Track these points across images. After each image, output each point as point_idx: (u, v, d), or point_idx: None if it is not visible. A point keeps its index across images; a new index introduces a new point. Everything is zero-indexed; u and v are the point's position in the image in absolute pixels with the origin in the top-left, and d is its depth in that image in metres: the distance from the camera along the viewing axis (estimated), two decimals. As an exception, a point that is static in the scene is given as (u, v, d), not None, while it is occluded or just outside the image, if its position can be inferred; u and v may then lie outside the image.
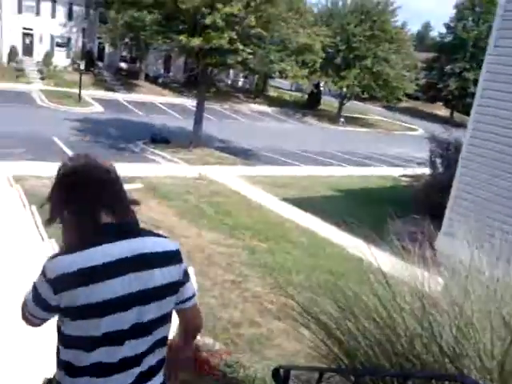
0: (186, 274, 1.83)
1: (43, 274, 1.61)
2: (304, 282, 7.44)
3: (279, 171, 18.90)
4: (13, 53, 41.14)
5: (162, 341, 1.80)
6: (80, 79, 33.91)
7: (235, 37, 18.52)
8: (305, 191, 15.53)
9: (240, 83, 53.50)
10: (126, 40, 40.55)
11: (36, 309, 1.69)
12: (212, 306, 6.59)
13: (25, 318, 1.79)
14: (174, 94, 44.21)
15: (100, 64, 45.72)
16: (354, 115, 48.04)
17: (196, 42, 18.45)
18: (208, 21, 18.18)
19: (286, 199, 13.81)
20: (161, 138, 22.45)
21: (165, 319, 1.77)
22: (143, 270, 1.66)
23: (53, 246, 7.13)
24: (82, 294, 1.57)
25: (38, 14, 42.70)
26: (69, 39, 44.71)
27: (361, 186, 17.43)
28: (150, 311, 1.69)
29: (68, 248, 1.66)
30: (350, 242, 7.52)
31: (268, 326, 6.36)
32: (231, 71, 45.72)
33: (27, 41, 42.87)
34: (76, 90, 34.10)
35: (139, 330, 1.68)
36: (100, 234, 1.65)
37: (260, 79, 49.46)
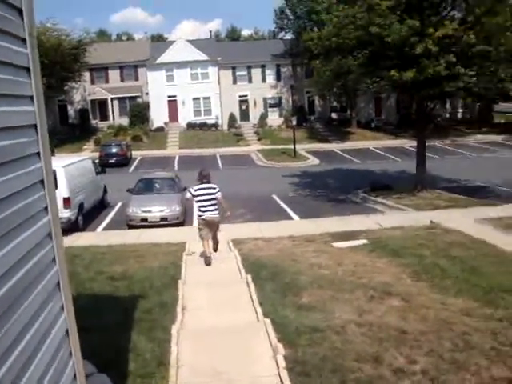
0: (217, 192, 10.39)
1: (189, 189, 10.93)
2: None
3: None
4: (231, 119, 45.29)
5: (214, 204, 10.37)
6: (294, 135, 34.40)
7: (453, 60, 16.25)
8: None
9: (459, 114, 49.37)
10: (334, 89, 40.66)
11: (188, 195, 10.83)
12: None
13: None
14: (389, 136, 42.51)
15: (311, 117, 46.43)
16: None
17: (409, 75, 16.61)
18: (419, 49, 16.30)
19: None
20: (381, 185, 20.96)
21: (213, 199, 10.34)
22: (207, 190, 10.40)
23: (266, 327, 6.14)
24: (196, 193, 10.42)
25: (250, 81, 46.00)
26: (280, 99, 46.66)
27: None
28: (207, 197, 10.35)
29: (195, 185, 10.66)
30: None
31: None
32: (448, 103, 42.43)
33: (243, 107, 46.50)
34: (291, 146, 34.66)
35: (207, 200, 10.36)
36: (201, 183, 10.51)
37: (482, 106, 44.89)
